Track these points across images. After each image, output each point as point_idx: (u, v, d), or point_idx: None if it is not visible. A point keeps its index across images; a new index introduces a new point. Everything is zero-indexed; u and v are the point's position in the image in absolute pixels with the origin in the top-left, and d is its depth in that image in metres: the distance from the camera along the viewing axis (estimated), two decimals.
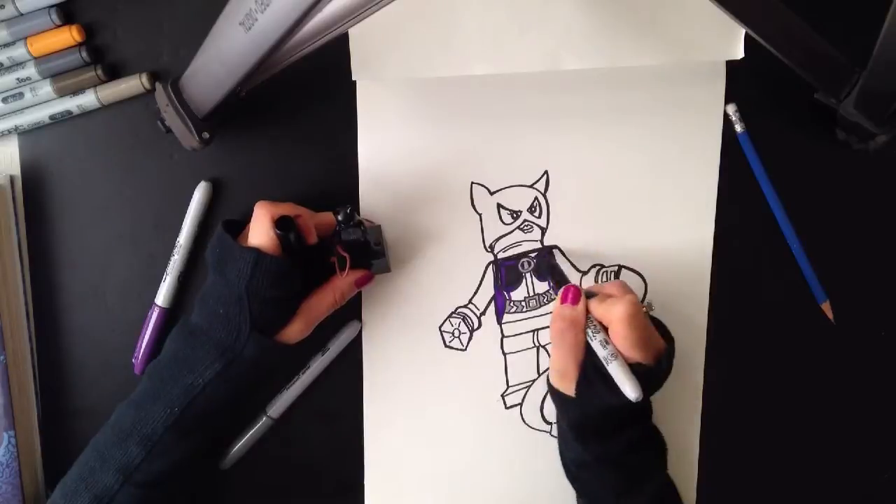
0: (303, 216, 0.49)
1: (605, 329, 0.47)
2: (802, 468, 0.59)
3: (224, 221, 0.50)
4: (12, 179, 0.56)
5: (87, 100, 0.54)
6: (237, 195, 0.56)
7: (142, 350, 0.56)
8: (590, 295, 0.49)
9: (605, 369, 0.46)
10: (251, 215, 0.49)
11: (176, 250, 0.55)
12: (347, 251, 0.51)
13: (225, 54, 0.44)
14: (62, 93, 0.54)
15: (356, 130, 0.55)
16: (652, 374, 0.46)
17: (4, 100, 0.54)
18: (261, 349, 0.48)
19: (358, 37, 0.51)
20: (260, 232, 0.47)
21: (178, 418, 0.47)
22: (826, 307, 0.57)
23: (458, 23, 0.51)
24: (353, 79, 0.52)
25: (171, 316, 0.56)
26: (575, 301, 0.48)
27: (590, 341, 0.47)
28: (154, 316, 0.56)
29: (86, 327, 0.57)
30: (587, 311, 0.48)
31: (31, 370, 0.57)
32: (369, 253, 0.53)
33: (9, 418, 0.54)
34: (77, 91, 0.54)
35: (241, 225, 0.51)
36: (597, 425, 0.48)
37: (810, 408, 0.58)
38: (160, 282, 0.56)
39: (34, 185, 0.56)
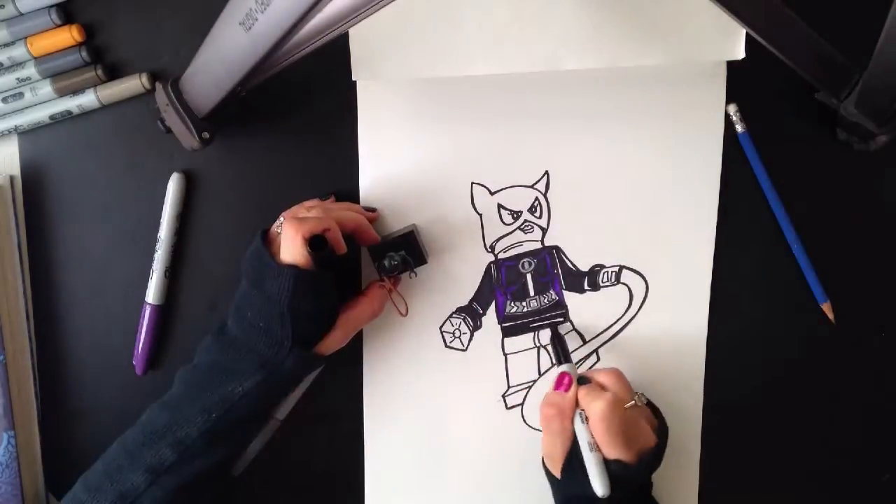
0: (332, 229, 0.48)
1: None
2: (803, 469, 0.59)
3: (262, 231, 0.50)
4: (12, 179, 0.56)
5: (87, 100, 0.54)
6: (237, 195, 0.56)
7: (139, 350, 0.56)
8: (583, 381, 0.50)
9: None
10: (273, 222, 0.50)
11: (158, 245, 0.55)
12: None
13: (225, 54, 0.44)
14: (62, 93, 0.54)
15: (356, 130, 0.55)
16: (630, 472, 0.45)
17: (4, 100, 0.54)
18: (301, 362, 0.49)
19: (358, 37, 0.51)
20: (293, 251, 0.47)
21: (213, 425, 0.47)
22: (827, 308, 0.57)
23: (458, 23, 0.50)
24: (353, 79, 0.52)
25: (164, 313, 0.56)
26: (567, 388, 0.49)
27: (576, 429, 0.47)
28: (147, 314, 0.56)
29: (86, 327, 0.57)
30: (576, 400, 0.48)
31: (30, 370, 0.57)
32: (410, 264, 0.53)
33: (8, 418, 0.54)
34: (77, 91, 0.54)
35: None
36: None
37: (810, 408, 0.58)
38: None
39: (34, 185, 0.56)
